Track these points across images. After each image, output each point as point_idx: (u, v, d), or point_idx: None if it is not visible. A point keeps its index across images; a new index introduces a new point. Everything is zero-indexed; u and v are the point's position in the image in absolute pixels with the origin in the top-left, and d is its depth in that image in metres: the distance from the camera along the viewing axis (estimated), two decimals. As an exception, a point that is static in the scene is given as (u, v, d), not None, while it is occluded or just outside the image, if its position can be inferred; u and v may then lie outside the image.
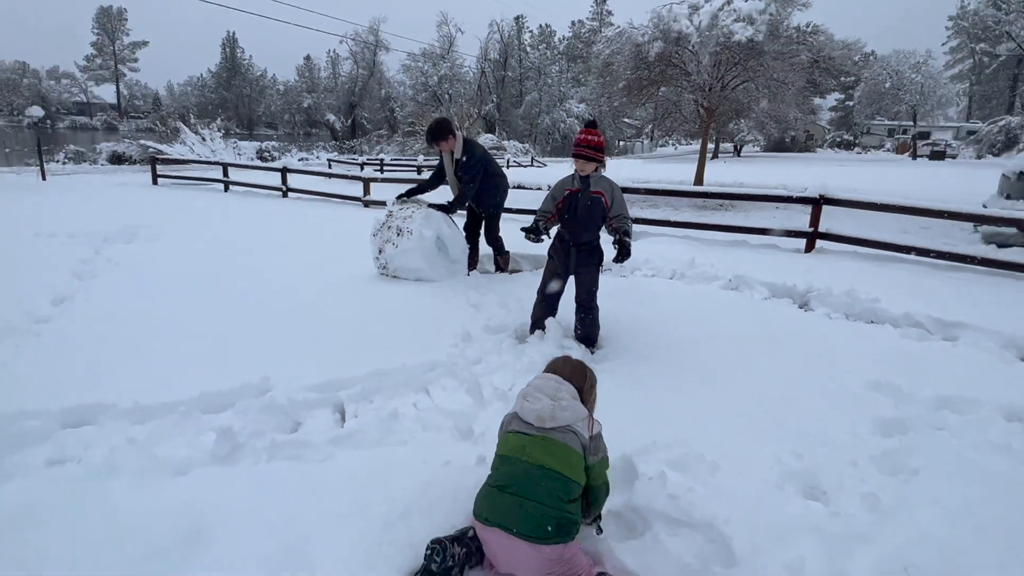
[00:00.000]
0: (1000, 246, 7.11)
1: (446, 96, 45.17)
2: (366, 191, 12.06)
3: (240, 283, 5.14)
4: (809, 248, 7.11)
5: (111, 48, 73.58)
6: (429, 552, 1.83)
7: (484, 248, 5.92)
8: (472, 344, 3.86)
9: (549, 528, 1.78)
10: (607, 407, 2.45)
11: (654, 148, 62.48)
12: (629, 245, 3.56)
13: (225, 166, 14.95)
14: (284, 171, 13.49)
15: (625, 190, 6.20)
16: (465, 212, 5.81)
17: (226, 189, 14.45)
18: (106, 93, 74.29)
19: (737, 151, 44.63)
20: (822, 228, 7.10)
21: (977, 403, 3.06)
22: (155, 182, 15.29)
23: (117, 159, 22.45)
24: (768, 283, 5.25)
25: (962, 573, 1.92)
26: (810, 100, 18.77)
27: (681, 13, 13.85)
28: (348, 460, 2.52)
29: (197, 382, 3.10)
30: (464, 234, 5.62)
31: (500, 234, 5.79)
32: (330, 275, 5.37)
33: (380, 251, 5.26)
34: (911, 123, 42.71)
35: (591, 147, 3.62)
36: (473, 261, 5.74)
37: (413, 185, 5.71)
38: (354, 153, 36.33)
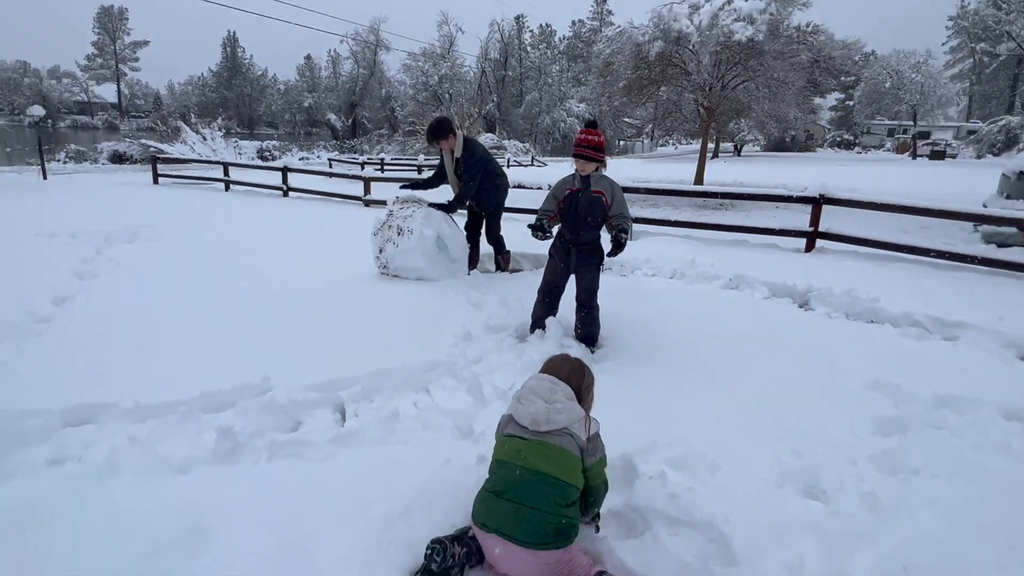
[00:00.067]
0: (1000, 246, 7.11)
1: (446, 95, 45.17)
2: (367, 190, 12.06)
3: (241, 283, 5.14)
4: (809, 248, 7.11)
5: (112, 48, 73.52)
6: (429, 552, 1.83)
7: (485, 247, 5.92)
8: (472, 343, 3.86)
9: (547, 534, 1.77)
10: (607, 406, 2.45)
11: (654, 148, 62.47)
12: (625, 242, 3.56)
13: (226, 165, 14.96)
14: (285, 170, 13.50)
15: (626, 189, 6.21)
16: (466, 211, 5.81)
17: (227, 188, 14.46)
18: (107, 92, 74.48)
19: (737, 151, 44.61)
20: (822, 228, 7.09)
21: (977, 403, 3.06)
22: (156, 181, 15.30)
23: (118, 158, 22.44)
24: (768, 282, 5.25)
25: (962, 573, 1.92)
26: (810, 100, 18.78)
27: (681, 13, 13.84)
28: (349, 459, 2.52)
29: (198, 381, 3.10)
30: (464, 233, 5.62)
31: (501, 233, 5.79)
32: (331, 274, 5.37)
33: (381, 250, 5.26)
34: (911, 123, 42.68)
35: (591, 147, 3.62)
36: (474, 260, 5.74)
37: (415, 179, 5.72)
38: (355, 153, 36.32)
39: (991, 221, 6.63)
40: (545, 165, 31.68)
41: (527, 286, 4.69)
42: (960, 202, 7.78)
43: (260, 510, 2.12)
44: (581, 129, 3.70)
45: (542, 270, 4.11)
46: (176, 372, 3.27)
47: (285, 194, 13.28)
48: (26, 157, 21.15)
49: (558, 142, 49.92)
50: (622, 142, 60.37)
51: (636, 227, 8.13)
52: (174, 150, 21.33)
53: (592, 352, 3.83)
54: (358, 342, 3.79)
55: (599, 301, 3.93)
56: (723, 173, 20.74)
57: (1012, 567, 1.95)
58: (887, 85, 40.38)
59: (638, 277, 5.70)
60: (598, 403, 2.29)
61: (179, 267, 5.76)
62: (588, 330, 3.89)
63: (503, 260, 5.89)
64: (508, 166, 25.40)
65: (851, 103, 52.73)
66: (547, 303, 3.98)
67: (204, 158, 19.71)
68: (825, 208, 7.13)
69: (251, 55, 76.19)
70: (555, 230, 3.89)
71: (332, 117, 56.59)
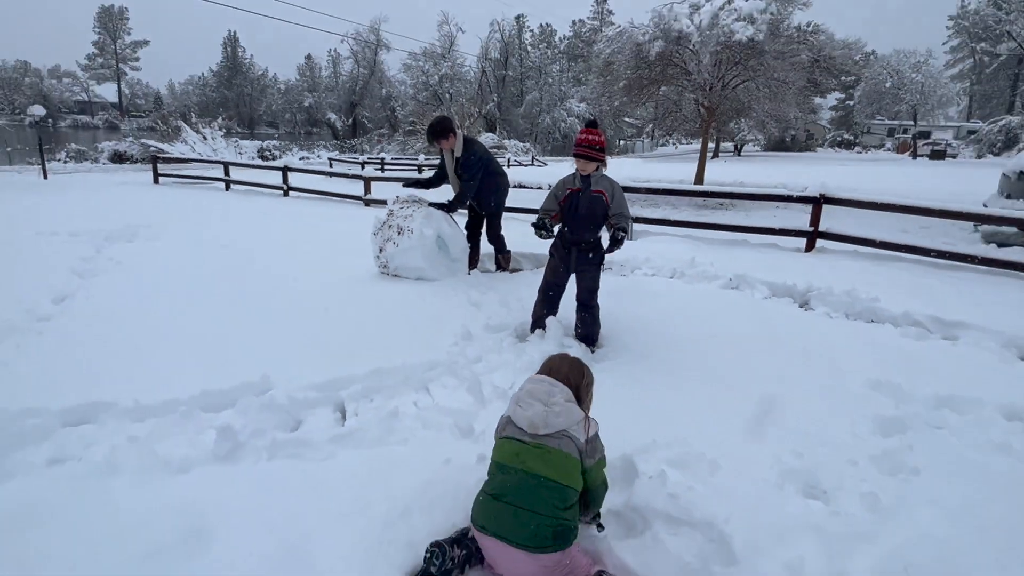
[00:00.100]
0: (1000, 245, 7.10)
1: (447, 95, 45.15)
2: (367, 190, 12.05)
3: (241, 282, 5.14)
4: (809, 247, 7.10)
5: (112, 47, 73.52)
6: (428, 555, 1.83)
7: (485, 247, 5.92)
8: (473, 343, 3.86)
9: (546, 537, 1.77)
10: (607, 406, 2.45)
11: (654, 147, 62.39)
12: (623, 239, 3.56)
13: (226, 165, 14.96)
14: (285, 170, 13.49)
15: (626, 189, 6.19)
16: (466, 211, 5.81)
17: (227, 188, 14.46)
18: (107, 92, 74.27)
19: (737, 150, 44.56)
20: (822, 227, 7.08)
21: (977, 402, 3.06)
22: (156, 181, 15.30)
23: (118, 158, 22.43)
24: (768, 282, 5.24)
25: (962, 573, 1.92)
26: (810, 99, 18.79)
27: (682, 12, 13.84)
28: (349, 459, 2.52)
29: (198, 381, 3.10)
30: (465, 233, 5.62)
31: (502, 233, 5.79)
32: (331, 274, 5.37)
33: (381, 250, 5.26)
34: (911, 122, 42.71)
35: (592, 147, 3.62)
36: (474, 260, 5.74)
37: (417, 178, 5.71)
38: (355, 152, 36.31)
39: (991, 221, 6.62)
40: (545, 165, 31.67)
41: (527, 286, 4.68)
42: (960, 202, 7.77)
43: (260, 510, 2.11)
44: (581, 129, 3.69)
45: (542, 270, 4.11)
46: (176, 371, 3.27)
47: (285, 194, 13.28)
48: (27, 156, 21.13)
49: (558, 142, 49.92)
50: (622, 142, 60.33)
51: (636, 227, 8.13)
52: (174, 150, 21.35)
53: (592, 351, 3.83)
54: (358, 341, 3.79)
55: (599, 301, 3.92)
56: (723, 173, 20.73)
57: (1013, 567, 1.95)
58: (887, 85, 40.42)
59: (638, 277, 5.69)
60: (598, 402, 2.29)
61: (179, 266, 5.75)
62: (588, 329, 3.89)
63: (504, 260, 5.89)
64: (508, 166, 25.40)
65: (851, 103, 52.76)
66: (547, 303, 3.97)
67: (204, 158, 19.72)
68: (825, 208, 7.12)
69: (251, 55, 76.26)
70: (556, 229, 3.89)
71: (332, 117, 56.58)
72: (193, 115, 30.18)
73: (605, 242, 3.84)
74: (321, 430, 2.79)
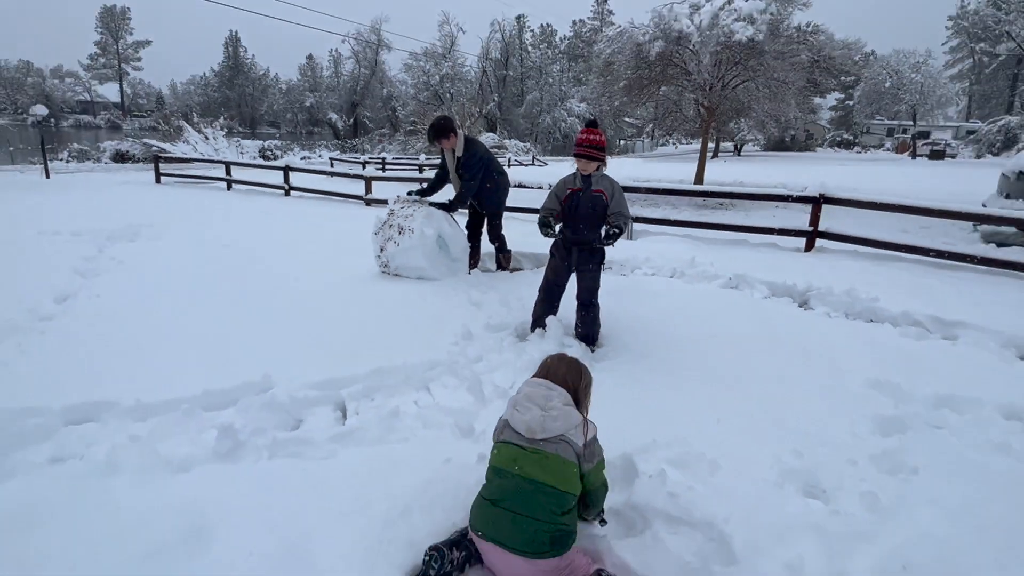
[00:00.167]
0: (999, 245, 7.09)
1: (448, 95, 45.10)
2: (368, 190, 12.05)
3: (242, 281, 5.13)
4: (809, 247, 7.09)
5: (115, 47, 73.49)
6: (427, 559, 1.83)
7: (486, 246, 5.91)
8: (473, 342, 3.85)
9: (544, 543, 1.76)
10: (607, 405, 2.45)
11: (655, 147, 62.36)
12: (615, 235, 3.56)
13: (228, 165, 14.96)
14: (286, 170, 13.48)
15: (626, 189, 6.20)
16: (467, 210, 5.80)
17: (229, 188, 14.46)
18: (110, 92, 74.25)
19: (737, 150, 44.54)
20: (822, 227, 7.07)
21: (977, 402, 3.05)
22: (158, 180, 15.30)
23: (121, 157, 22.44)
24: (768, 282, 5.24)
25: (961, 572, 1.91)
26: (810, 99, 18.77)
27: (682, 12, 13.82)
28: (349, 458, 2.51)
29: (199, 380, 3.10)
30: (465, 233, 5.61)
31: (503, 232, 5.78)
32: (332, 273, 5.36)
33: (382, 249, 5.25)
34: (911, 123, 42.61)
35: (593, 146, 3.62)
36: (474, 259, 5.73)
37: (421, 185, 5.67)
38: (356, 152, 36.30)
39: (990, 221, 6.61)
40: (546, 164, 31.64)
41: (528, 285, 4.68)
42: (959, 202, 7.76)
43: (261, 508, 2.11)
44: (582, 129, 3.69)
45: (543, 269, 4.10)
46: (177, 370, 3.27)
47: (287, 193, 13.27)
48: (29, 156, 21.12)
49: (559, 141, 49.90)
50: (622, 141, 60.32)
51: (636, 226, 8.12)
52: (176, 149, 21.34)
53: (592, 351, 3.82)
54: (359, 341, 3.78)
55: (599, 300, 3.92)
56: (723, 173, 20.72)
57: (1012, 567, 1.95)
58: (887, 85, 40.30)
59: (638, 276, 5.69)
60: (598, 401, 2.28)
61: (181, 266, 5.75)
62: (588, 329, 3.89)
63: (504, 259, 5.88)
64: (509, 165, 25.38)
65: (851, 103, 52.63)
66: (548, 302, 3.97)
67: (206, 157, 19.72)
68: (825, 208, 7.11)
69: (253, 55, 76.20)
70: (556, 228, 3.89)
71: (334, 116, 56.54)
72: (195, 115, 30.24)
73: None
74: (322, 429, 2.79)
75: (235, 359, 3.43)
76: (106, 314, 4.23)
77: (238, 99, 73.11)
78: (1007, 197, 8.07)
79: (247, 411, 2.83)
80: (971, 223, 8.22)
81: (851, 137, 55.67)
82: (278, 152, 28.46)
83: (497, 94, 50.94)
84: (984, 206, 7.67)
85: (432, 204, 5.37)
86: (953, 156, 37.75)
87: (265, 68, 77.25)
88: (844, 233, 6.97)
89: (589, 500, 1.98)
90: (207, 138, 23.78)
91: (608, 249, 3.92)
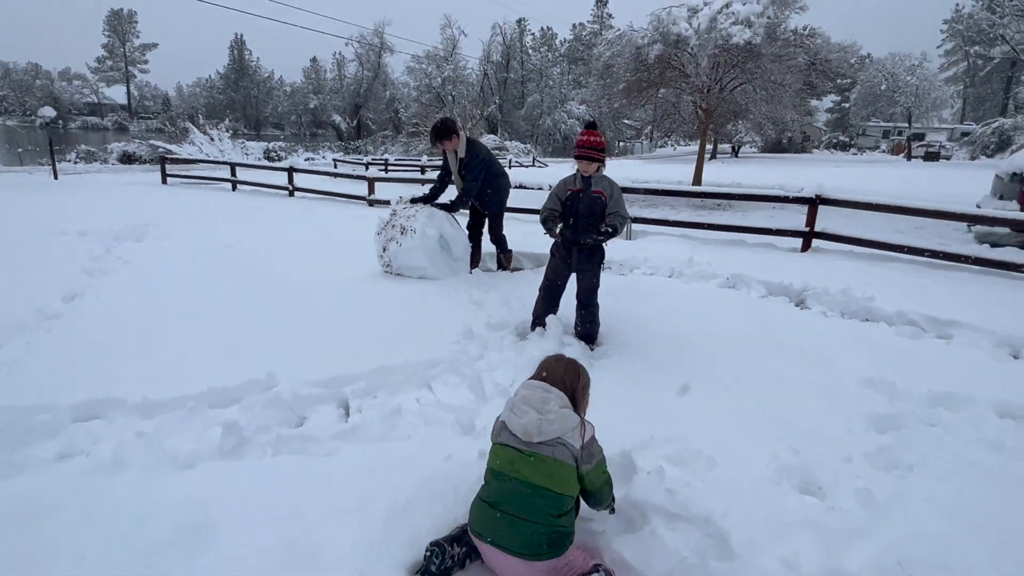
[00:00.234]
0: (993, 245, 7.07)
1: (449, 97, 45.13)
2: (371, 190, 12.05)
3: (246, 280, 5.13)
4: (805, 247, 7.09)
5: (122, 50, 73.51)
6: (428, 554, 1.83)
7: (487, 246, 5.91)
8: (474, 341, 3.85)
9: (541, 545, 1.76)
10: (606, 403, 2.44)
11: (653, 149, 62.33)
12: (607, 233, 3.56)
13: (233, 166, 14.95)
14: (290, 171, 13.48)
15: (625, 190, 6.19)
16: (468, 211, 5.80)
17: (234, 188, 14.46)
18: (117, 94, 74.24)
19: (735, 152, 44.50)
20: (818, 228, 7.07)
21: (971, 400, 3.05)
22: (164, 181, 15.30)
23: (127, 159, 22.44)
24: (765, 281, 5.23)
25: (956, 568, 1.91)
26: (807, 102, 18.72)
27: (680, 16, 13.79)
28: (352, 454, 2.51)
29: (204, 377, 3.10)
30: (467, 233, 5.61)
31: (504, 232, 5.78)
32: (335, 273, 5.36)
33: (384, 249, 5.25)
34: (906, 125, 42.55)
35: (594, 148, 3.61)
36: (475, 259, 5.73)
37: (424, 191, 5.65)
38: (359, 153, 36.30)
39: (984, 221, 6.60)
40: (546, 166, 31.63)
41: (528, 285, 4.67)
42: (954, 203, 7.74)
43: (264, 504, 2.11)
44: (582, 131, 3.68)
45: (543, 269, 4.10)
46: (183, 368, 3.27)
47: (291, 194, 13.27)
48: (38, 157, 21.10)
49: (559, 143, 49.86)
50: (622, 143, 60.28)
51: (635, 227, 8.11)
52: (182, 151, 21.36)
53: (592, 349, 3.82)
54: (361, 339, 3.78)
55: (599, 299, 3.91)
56: (721, 174, 20.70)
57: (1005, 563, 1.94)
58: (883, 87, 40.26)
59: (637, 276, 5.68)
60: (597, 399, 2.27)
61: (187, 265, 5.75)
62: (588, 328, 3.88)
63: (505, 259, 5.88)
64: (510, 167, 25.36)
65: (847, 105, 52.59)
66: (548, 301, 3.97)
67: (212, 158, 19.72)
68: (821, 208, 7.10)
69: (258, 57, 76.16)
70: (558, 228, 3.88)
71: (337, 118, 56.52)
72: (200, 117, 30.19)
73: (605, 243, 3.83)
74: (325, 426, 2.79)
75: (239, 357, 3.43)
76: (113, 313, 4.23)
77: (243, 101, 73.12)
78: (1001, 198, 8.04)
79: (251, 408, 2.83)
80: (965, 224, 8.20)
81: (847, 139, 55.64)
82: (282, 153, 28.43)
83: (498, 96, 50.93)
84: (978, 207, 7.65)
85: (434, 205, 5.37)
86: (948, 158, 37.73)
87: (270, 71, 77.29)
88: (840, 233, 6.97)
89: (594, 498, 1.97)
90: (212, 140, 23.79)
91: (607, 249, 3.92)
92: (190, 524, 1.98)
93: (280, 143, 32.13)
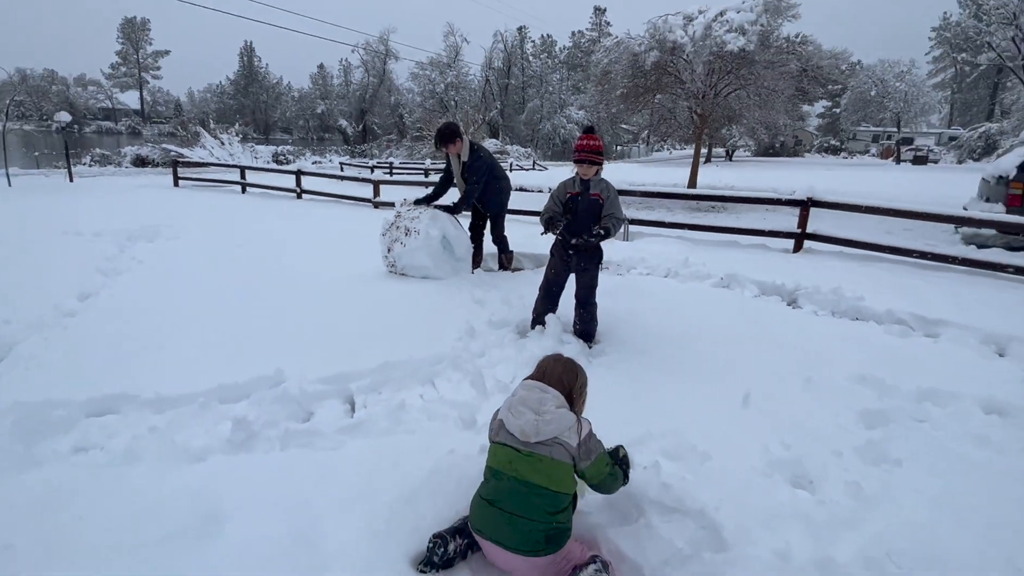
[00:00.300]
0: (980, 247, 7.05)
1: (452, 103, 45.07)
2: (376, 193, 12.04)
3: (255, 280, 5.14)
4: (797, 248, 7.08)
5: (135, 57, 73.49)
6: (431, 545, 1.84)
7: (488, 247, 5.91)
8: (476, 338, 3.85)
9: (539, 541, 1.77)
10: (604, 399, 2.44)
11: (650, 153, 62.20)
12: (599, 235, 3.57)
13: (243, 169, 14.96)
14: (298, 174, 13.49)
15: (622, 192, 6.18)
16: (471, 212, 5.80)
17: (243, 191, 14.46)
18: (130, 99, 74.21)
19: (729, 156, 44.45)
20: (810, 229, 7.06)
21: (957, 396, 3.05)
22: (176, 184, 15.31)
23: (141, 162, 22.46)
24: (758, 281, 5.23)
25: (942, 558, 1.91)
26: (799, 107, 18.65)
27: (676, 24, 13.77)
28: (357, 448, 2.51)
29: (215, 374, 3.10)
30: (469, 234, 5.61)
31: (505, 233, 5.78)
32: (341, 272, 5.37)
33: (389, 250, 5.25)
34: (895, 129, 42.46)
35: (593, 151, 3.62)
36: (477, 260, 5.73)
37: (427, 192, 5.67)
38: (365, 157, 36.29)
39: (971, 223, 6.59)
40: (546, 169, 31.59)
41: (528, 284, 4.68)
42: (942, 205, 7.73)
43: (272, 496, 2.11)
44: (581, 135, 3.68)
45: (543, 269, 4.10)
46: (194, 365, 3.28)
47: (299, 196, 13.27)
48: (54, 160, 21.15)
49: (558, 147, 49.81)
50: (619, 147, 60.14)
51: (632, 228, 8.11)
52: (193, 154, 21.35)
53: (590, 347, 3.82)
54: (367, 337, 3.79)
55: (597, 299, 3.91)
56: (715, 177, 20.67)
57: (990, 553, 1.94)
58: (872, 93, 40.16)
59: (634, 276, 5.68)
60: (595, 395, 2.27)
61: (198, 265, 5.76)
62: (586, 326, 3.88)
63: (506, 259, 5.88)
64: (511, 170, 25.35)
65: (838, 110, 52.43)
66: (548, 300, 3.97)
67: (222, 162, 19.72)
68: (813, 210, 7.10)
69: (267, 64, 76.13)
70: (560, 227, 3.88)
71: (343, 123, 56.49)
72: (211, 121, 30.15)
73: (603, 244, 3.83)
74: (331, 421, 2.79)
75: (249, 354, 3.43)
76: (126, 311, 4.24)
77: (252, 106, 73.11)
78: (987, 200, 8.02)
79: (260, 404, 2.84)
80: (953, 225, 8.18)
81: (838, 143, 55.55)
82: (290, 157, 28.47)
83: (499, 102, 50.90)
84: (965, 209, 7.63)
85: (437, 207, 5.37)
86: (936, 161, 37.66)
87: (278, 77, 77.21)
88: (831, 235, 6.96)
89: (601, 490, 1.98)
90: (223, 143, 23.81)
91: (606, 250, 3.91)
92: (200, 514, 1.99)
93: (288, 147, 32.15)
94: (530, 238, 6.38)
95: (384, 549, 1.88)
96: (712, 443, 2.53)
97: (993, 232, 7.13)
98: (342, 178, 14.27)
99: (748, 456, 2.50)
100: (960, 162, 32.35)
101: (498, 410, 2.01)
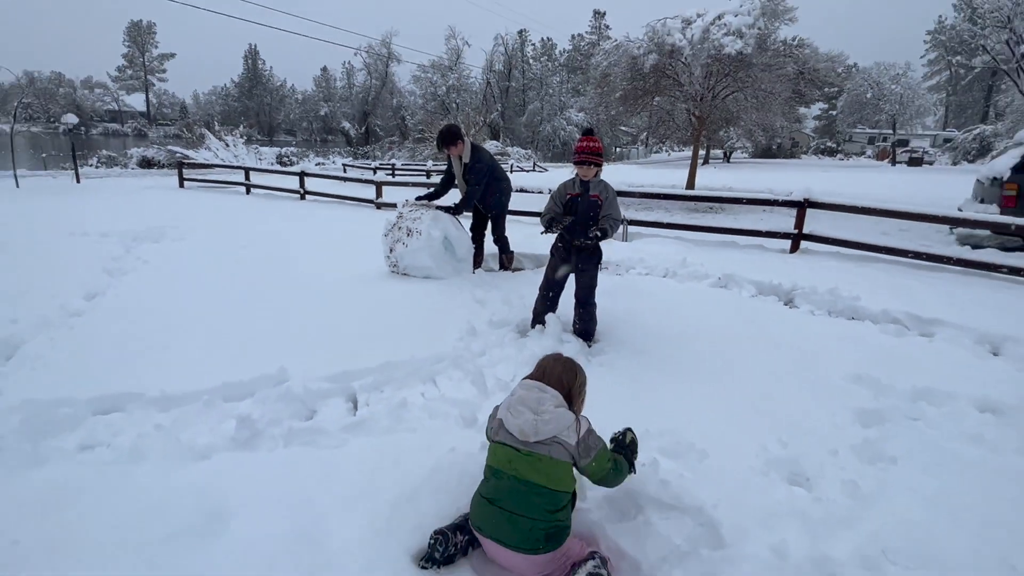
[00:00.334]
0: (974, 247, 7.04)
1: (454, 105, 45.05)
2: (378, 194, 12.05)
3: (259, 279, 5.14)
4: (794, 249, 7.07)
5: (141, 60, 73.50)
6: (433, 541, 1.83)
7: (489, 247, 5.91)
8: (477, 338, 3.85)
9: (539, 540, 1.76)
10: (603, 398, 2.44)
11: (649, 154, 62.16)
12: (596, 236, 3.57)
13: (247, 170, 14.97)
14: (302, 175, 13.49)
15: (621, 194, 6.19)
16: (472, 213, 5.80)
17: (248, 192, 14.46)
18: (136, 102, 74.22)
19: (727, 157, 44.44)
20: (806, 230, 7.06)
21: (952, 395, 3.04)
22: (182, 185, 15.32)
23: (146, 163, 22.45)
24: (755, 281, 5.22)
25: (937, 556, 1.91)
26: (795, 109, 18.62)
27: (674, 27, 13.75)
28: (360, 446, 2.51)
29: (219, 372, 3.10)
30: (470, 234, 5.61)
31: (506, 234, 5.78)
32: (343, 272, 5.36)
33: (391, 250, 5.25)
34: (891, 131, 42.45)
35: (593, 153, 3.62)
36: (478, 260, 5.73)
37: (428, 191, 5.68)
38: (367, 158, 36.27)
39: (966, 224, 6.59)
40: (546, 170, 31.57)
41: (528, 284, 4.67)
42: (937, 206, 7.72)
43: (276, 494, 2.11)
44: (580, 137, 3.68)
45: (543, 269, 4.09)
46: (199, 363, 3.27)
47: (302, 197, 13.28)
48: (61, 162, 21.08)
49: (558, 149, 49.80)
50: (618, 149, 60.09)
51: (631, 229, 8.10)
52: (199, 156, 21.36)
53: (589, 346, 3.82)
54: (369, 336, 3.78)
55: (596, 299, 3.91)
56: (713, 178, 20.67)
57: (984, 550, 1.94)
58: (868, 96, 40.15)
59: (633, 276, 5.68)
60: (595, 394, 2.27)
61: (203, 265, 5.76)
62: (586, 326, 3.88)
63: (507, 260, 5.88)
64: (511, 171, 25.32)
65: (834, 112, 52.39)
66: (548, 300, 3.96)
67: (227, 163, 19.71)
68: (809, 211, 7.09)
69: (271, 67, 76.10)
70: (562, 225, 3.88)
71: (346, 125, 56.51)
72: (216, 123, 30.23)
73: (602, 244, 3.83)
74: (334, 419, 2.79)
75: (253, 353, 3.43)
76: (132, 311, 4.24)
77: (257, 108, 73.11)
78: (981, 201, 8.02)
79: (264, 402, 2.84)
80: (948, 226, 8.18)
81: (834, 145, 55.51)
82: (294, 158, 28.42)
83: (500, 104, 50.88)
84: (960, 210, 7.62)
85: (439, 207, 5.37)
86: (931, 163, 37.63)
87: (282, 79, 77.22)
88: (827, 235, 6.95)
89: (605, 484, 1.98)
90: (228, 145, 23.81)
91: (605, 250, 3.91)
92: (205, 511, 1.99)
93: (292, 148, 32.10)
94: (530, 238, 6.38)
95: (386, 546, 1.88)
96: (710, 441, 2.53)
97: (987, 233, 7.13)
98: (345, 179, 14.27)
99: (745, 454, 2.50)
100: (955, 164, 32.32)
101: (496, 408, 2.00)
